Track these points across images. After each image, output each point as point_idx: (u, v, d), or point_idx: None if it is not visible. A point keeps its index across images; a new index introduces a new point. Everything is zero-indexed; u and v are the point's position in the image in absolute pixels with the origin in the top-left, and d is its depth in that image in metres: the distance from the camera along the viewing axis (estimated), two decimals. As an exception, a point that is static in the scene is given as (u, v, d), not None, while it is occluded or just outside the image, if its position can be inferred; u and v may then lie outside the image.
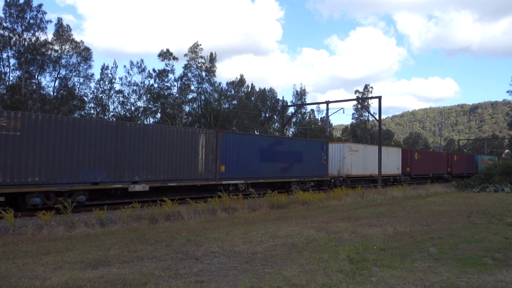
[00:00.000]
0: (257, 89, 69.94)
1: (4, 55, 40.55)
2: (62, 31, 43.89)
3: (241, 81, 66.36)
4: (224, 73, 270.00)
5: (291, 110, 53.06)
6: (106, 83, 49.99)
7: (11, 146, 12.25)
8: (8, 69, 41.26)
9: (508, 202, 20.33)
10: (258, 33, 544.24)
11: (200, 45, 54.47)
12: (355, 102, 71.23)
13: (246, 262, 7.25)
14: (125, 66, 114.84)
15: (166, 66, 52.96)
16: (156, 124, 37.88)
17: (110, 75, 50.50)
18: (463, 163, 47.30)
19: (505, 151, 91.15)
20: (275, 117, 67.76)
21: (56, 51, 43.41)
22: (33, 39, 41.43)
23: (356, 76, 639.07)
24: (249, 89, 68.23)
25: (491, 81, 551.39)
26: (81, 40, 53.12)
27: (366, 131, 73.57)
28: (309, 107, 72.98)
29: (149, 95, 51.86)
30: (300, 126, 63.74)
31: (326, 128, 40.69)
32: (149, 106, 51.98)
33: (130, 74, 52.46)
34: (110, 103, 50.43)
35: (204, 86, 55.16)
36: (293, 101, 67.67)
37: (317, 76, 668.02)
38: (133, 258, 7.56)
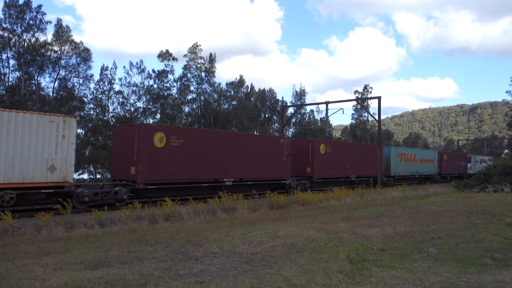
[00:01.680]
0: (257, 90, 69.92)
1: (4, 56, 40.55)
2: (62, 32, 43.86)
3: (241, 81, 66.33)
4: (224, 74, 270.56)
5: (290, 110, 53.08)
6: (106, 83, 49.98)
7: None
8: (8, 70, 41.26)
9: (508, 202, 20.33)
10: (257, 33, 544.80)
11: (200, 45, 54.46)
12: (354, 103, 71.23)
13: (246, 263, 7.24)
14: (124, 67, 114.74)
15: (166, 66, 52.93)
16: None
17: (109, 76, 50.49)
18: (353, 159, 27.26)
19: (505, 151, 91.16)
20: (275, 117, 67.74)
21: (55, 52, 43.40)
22: (33, 40, 41.43)
23: (356, 76, 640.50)
24: (249, 90, 68.19)
25: (491, 81, 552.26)
26: (81, 41, 53.14)
27: (366, 131, 73.53)
28: (308, 108, 73.05)
29: (148, 96, 51.85)
30: (300, 126, 63.73)
31: (325, 128, 40.67)
32: (149, 106, 51.97)
33: (130, 75, 52.41)
34: (109, 104, 50.45)
35: (204, 86, 55.15)
36: (293, 101, 67.67)
37: (316, 76, 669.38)
38: (133, 258, 7.55)
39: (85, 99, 47.62)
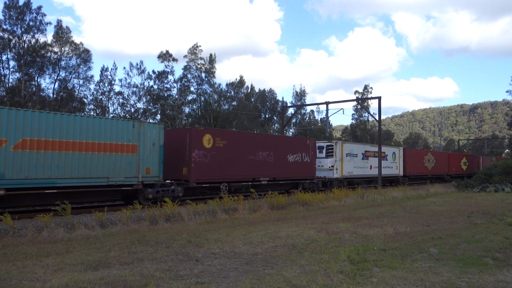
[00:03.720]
0: (257, 90, 70.04)
1: (4, 57, 40.63)
2: (62, 33, 43.95)
3: (241, 82, 66.41)
4: (224, 74, 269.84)
5: (290, 111, 53.11)
6: (106, 84, 50.09)
7: None
8: (8, 71, 41.30)
9: (508, 202, 20.31)
10: (257, 34, 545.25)
11: (200, 46, 54.55)
12: (354, 103, 71.26)
13: (247, 263, 7.23)
14: (124, 68, 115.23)
15: (166, 67, 53.06)
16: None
17: (109, 77, 50.65)
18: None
19: (505, 151, 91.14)
20: (275, 118, 67.80)
21: (55, 53, 43.50)
22: (33, 41, 41.51)
23: (355, 76, 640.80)
24: (249, 90, 68.29)
25: (491, 81, 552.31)
26: (81, 42, 53.30)
27: (366, 131, 73.53)
28: (308, 108, 73.09)
29: (148, 97, 51.92)
30: (300, 127, 63.75)
31: (326, 128, 40.68)
32: (149, 107, 52.03)
33: (130, 76, 52.56)
34: (110, 105, 50.53)
35: (204, 87, 55.25)
36: (293, 102, 67.75)
37: (316, 76, 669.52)
38: (134, 259, 7.54)
39: (85, 100, 47.77)
